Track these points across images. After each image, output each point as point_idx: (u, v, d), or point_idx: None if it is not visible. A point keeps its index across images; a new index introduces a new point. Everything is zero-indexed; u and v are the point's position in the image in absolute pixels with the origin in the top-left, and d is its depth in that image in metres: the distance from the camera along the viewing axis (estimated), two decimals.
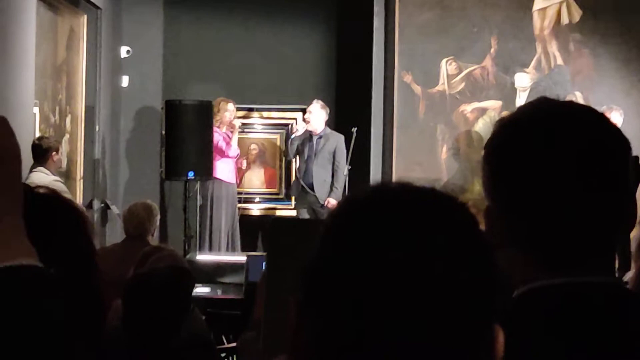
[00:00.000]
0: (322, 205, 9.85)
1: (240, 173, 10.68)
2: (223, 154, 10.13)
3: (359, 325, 0.98)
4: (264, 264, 6.75)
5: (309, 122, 10.16)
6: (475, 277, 1.01)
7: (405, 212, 1.02)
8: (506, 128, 1.53)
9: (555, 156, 1.46)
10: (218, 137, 10.07)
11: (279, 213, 11.03)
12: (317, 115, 10.13)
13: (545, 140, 1.47)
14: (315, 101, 10.18)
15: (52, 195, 1.26)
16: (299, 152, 10.29)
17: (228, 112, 10.24)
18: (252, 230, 10.89)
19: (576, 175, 1.45)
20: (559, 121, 1.50)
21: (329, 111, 10.21)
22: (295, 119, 10.56)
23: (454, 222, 1.03)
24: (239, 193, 10.49)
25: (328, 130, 10.21)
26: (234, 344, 5.98)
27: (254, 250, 10.10)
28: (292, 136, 10.43)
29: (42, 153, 7.92)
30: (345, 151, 10.01)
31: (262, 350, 1.17)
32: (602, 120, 1.52)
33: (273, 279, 1.21)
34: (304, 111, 10.37)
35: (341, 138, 10.09)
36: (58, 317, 1.11)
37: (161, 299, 3.55)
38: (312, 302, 1.02)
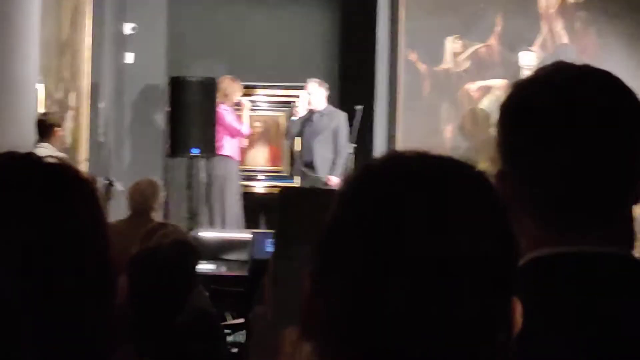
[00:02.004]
0: (325, 185, 9.84)
1: (241, 151, 10.68)
2: (238, 133, 10.15)
3: (376, 294, 0.97)
4: (268, 241, 6.78)
5: (310, 102, 10.16)
6: (494, 244, 0.99)
7: (422, 177, 1.00)
8: (523, 89, 1.51)
9: (572, 118, 1.44)
10: (231, 117, 10.06)
11: None
12: (316, 93, 10.12)
13: (562, 102, 1.45)
14: (311, 81, 10.17)
15: (61, 164, 1.26)
16: (301, 131, 10.28)
17: (237, 91, 10.24)
18: (256, 207, 10.89)
19: (593, 138, 1.44)
20: (577, 83, 1.48)
21: (327, 87, 10.19)
22: (299, 96, 10.54)
23: (472, 188, 1.01)
24: (241, 170, 10.49)
25: (330, 107, 10.20)
26: (238, 321, 5.99)
27: (258, 228, 10.10)
28: (293, 117, 10.43)
29: (46, 129, 7.92)
30: (347, 129, 9.99)
31: (271, 322, 1.16)
32: (618, 83, 1.50)
33: (282, 249, 1.20)
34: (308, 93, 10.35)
35: (343, 115, 10.07)
36: None
37: (167, 274, 3.55)
38: (326, 271, 1.01)
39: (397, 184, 1.00)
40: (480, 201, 1.01)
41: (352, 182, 1.03)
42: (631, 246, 1.52)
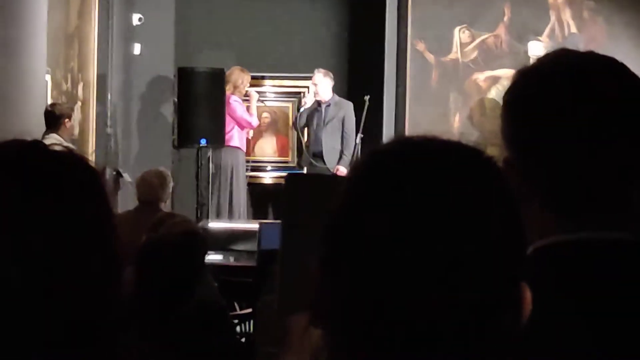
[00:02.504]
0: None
1: (248, 142, 10.68)
2: (248, 125, 10.15)
3: (386, 279, 0.97)
4: (277, 231, 6.78)
5: (317, 93, 10.15)
6: (504, 227, 0.99)
7: (431, 161, 1.00)
8: (528, 76, 1.52)
9: (578, 104, 1.44)
10: (242, 109, 10.07)
11: None
12: (323, 84, 10.11)
13: (568, 88, 1.46)
14: (316, 71, 10.16)
15: (68, 153, 1.25)
16: (309, 122, 10.28)
17: (247, 82, 10.24)
18: (264, 198, 10.88)
19: (598, 124, 1.44)
20: (582, 69, 1.48)
21: (332, 77, 10.18)
22: (307, 87, 10.54)
23: (482, 171, 1.01)
24: (247, 161, 10.49)
25: (336, 97, 10.20)
26: (246, 311, 6.00)
27: (266, 218, 10.11)
28: (301, 109, 10.43)
29: (54, 120, 7.93)
30: (354, 118, 9.99)
31: (278, 310, 1.16)
32: (624, 69, 1.50)
33: (289, 237, 1.19)
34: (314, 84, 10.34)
35: (350, 105, 10.08)
36: None
37: (176, 264, 3.55)
38: (335, 257, 1.01)
39: (406, 167, 1.00)
40: (490, 184, 1.01)
41: (360, 167, 1.03)
42: (636, 231, 1.52)
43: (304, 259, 1.12)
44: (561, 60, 1.52)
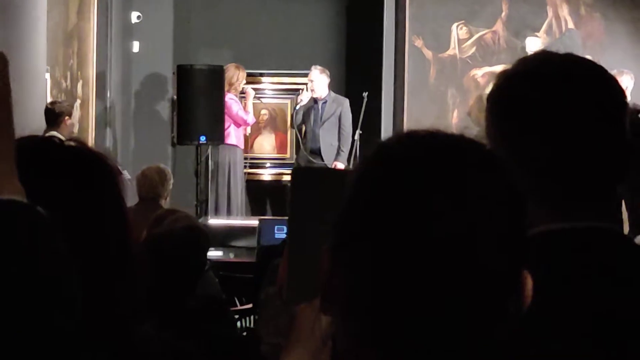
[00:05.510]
0: None
1: (246, 139, 10.69)
2: (244, 123, 10.15)
3: (394, 270, 1.00)
4: (276, 227, 6.81)
5: (314, 90, 10.16)
6: (509, 220, 1.02)
7: (439, 153, 1.03)
8: (511, 78, 1.58)
9: (559, 104, 1.51)
10: (237, 106, 10.06)
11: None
12: (319, 81, 10.12)
13: (549, 88, 1.53)
14: (313, 67, 10.16)
15: (83, 147, 1.28)
16: (305, 119, 10.29)
17: (244, 79, 10.24)
18: (262, 195, 10.91)
19: (576, 121, 1.51)
20: (560, 71, 1.55)
21: (329, 74, 10.19)
22: (306, 84, 10.56)
23: (486, 163, 1.04)
24: (246, 158, 10.51)
25: (333, 94, 10.21)
26: (247, 306, 6.02)
27: (265, 215, 10.13)
28: (297, 106, 10.43)
29: (54, 117, 7.93)
30: (350, 115, 10.01)
31: (286, 300, 1.19)
32: (601, 71, 1.58)
33: (296, 228, 1.22)
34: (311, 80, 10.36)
35: (346, 102, 10.10)
36: (49, 252, 1.09)
37: (178, 258, 3.57)
38: (345, 247, 1.03)
39: (414, 160, 1.03)
40: (494, 176, 1.04)
41: (369, 159, 1.06)
42: (616, 221, 1.59)
43: (311, 249, 1.15)
44: (539, 63, 1.59)
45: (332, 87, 10.26)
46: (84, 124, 9.77)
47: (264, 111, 11.25)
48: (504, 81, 1.59)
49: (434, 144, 1.04)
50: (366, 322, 1.02)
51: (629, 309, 1.43)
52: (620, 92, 1.58)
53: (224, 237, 7.79)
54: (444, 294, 0.99)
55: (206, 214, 9.71)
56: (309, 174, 1.32)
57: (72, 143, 1.29)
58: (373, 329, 1.01)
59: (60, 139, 1.29)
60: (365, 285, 1.01)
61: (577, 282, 1.44)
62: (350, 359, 1.04)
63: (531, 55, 1.66)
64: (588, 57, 1.64)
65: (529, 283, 1.04)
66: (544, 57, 1.62)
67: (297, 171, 1.28)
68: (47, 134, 7.72)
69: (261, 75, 11.16)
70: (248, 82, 10.44)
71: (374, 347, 1.01)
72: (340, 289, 1.04)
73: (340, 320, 1.06)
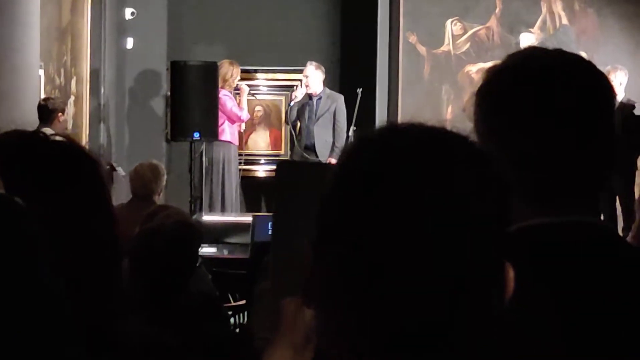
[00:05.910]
0: None
1: (241, 135, 10.68)
2: (238, 119, 10.14)
3: (376, 263, 1.00)
4: (270, 223, 6.81)
5: (308, 86, 10.15)
6: (492, 211, 1.02)
7: (418, 145, 1.03)
8: (499, 73, 1.59)
9: (544, 98, 1.52)
10: (231, 103, 10.04)
11: None
12: (314, 77, 10.11)
13: (536, 84, 1.53)
14: (308, 63, 10.15)
15: (69, 142, 1.28)
16: (299, 116, 10.28)
17: (238, 75, 10.22)
18: (257, 191, 10.90)
19: (563, 117, 1.51)
20: (548, 66, 1.56)
21: (324, 70, 10.19)
22: (300, 80, 10.55)
23: (466, 155, 1.04)
24: (240, 155, 10.50)
25: (327, 90, 10.20)
26: (240, 302, 6.02)
27: (259, 211, 10.13)
28: (291, 103, 10.42)
29: (47, 114, 7.92)
30: (345, 111, 10.01)
31: (272, 294, 1.19)
32: (589, 66, 1.58)
33: (281, 223, 1.22)
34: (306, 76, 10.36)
35: (341, 98, 10.09)
36: (26, 242, 1.07)
37: (169, 254, 3.56)
38: (327, 242, 1.04)
39: (393, 152, 1.03)
40: (474, 167, 1.04)
41: (349, 152, 1.06)
42: (599, 216, 1.62)
43: (296, 243, 1.15)
44: (527, 59, 1.60)
45: (327, 83, 10.25)
46: (77, 120, 9.76)
47: (258, 107, 11.24)
48: (492, 76, 1.60)
49: (414, 137, 1.04)
50: (348, 316, 1.02)
51: (609, 302, 1.44)
52: (609, 88, 1.59)
53: (218, 233, 7.78)
54: (428, 288, 0.99)
55: (200, 210, 9.71)
56: (294, 168, 1.32)
57: (58, 138, 1.28)
58: (355, 323, 1.01)
59: (45, 134, 1.28)
60: (345, 280, 1.01)
61: (558, 276, 1.44)
62: (333, 352, 1.05)
63: (520, 50, 1.67)
64: (582, 53, 1.65)
65: (511, 276, 1.05)
66: (533, 52, 1.63)
67: (281, 165, 1.29)
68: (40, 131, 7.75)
69: (255, 71, 11.15)
70: (242, 78, 10.43)
71: (356, 341, 1.02)
72: (322, 283, 1.04)
73: (322, 314, 1.06)
